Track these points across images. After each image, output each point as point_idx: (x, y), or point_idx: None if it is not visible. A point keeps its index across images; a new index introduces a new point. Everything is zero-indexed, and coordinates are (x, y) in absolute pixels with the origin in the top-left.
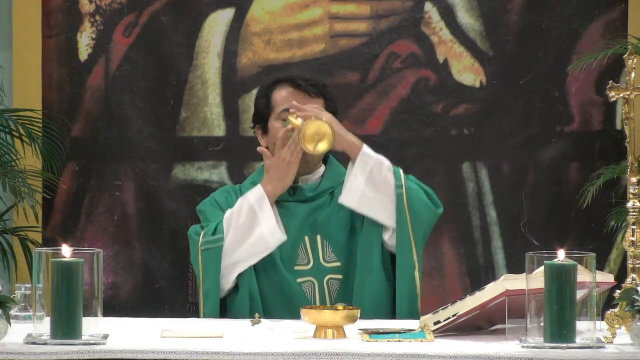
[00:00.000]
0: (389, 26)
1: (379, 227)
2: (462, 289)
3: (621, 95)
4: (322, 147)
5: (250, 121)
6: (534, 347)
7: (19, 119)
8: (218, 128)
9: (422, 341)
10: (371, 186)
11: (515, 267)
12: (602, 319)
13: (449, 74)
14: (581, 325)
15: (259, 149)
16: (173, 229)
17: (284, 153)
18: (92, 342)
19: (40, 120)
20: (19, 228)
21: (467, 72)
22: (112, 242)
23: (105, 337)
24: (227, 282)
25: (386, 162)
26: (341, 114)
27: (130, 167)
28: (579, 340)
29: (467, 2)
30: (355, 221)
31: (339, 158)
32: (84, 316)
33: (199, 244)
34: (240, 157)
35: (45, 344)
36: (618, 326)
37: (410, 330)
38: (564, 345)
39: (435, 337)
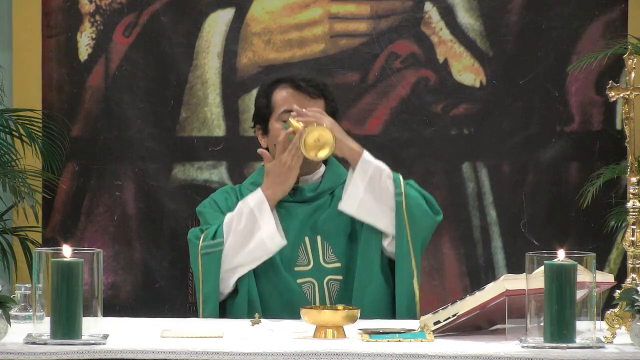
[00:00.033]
0: (389, 26)
1: (379, 234)
2: (462, 289)
3: (621, 95)
4: (323, 154)
5: (251, 121)
6: (534, 347)
7: (19, 119)
8: (218, 128)
9: (422, 341)
10: (371, 193)
11: (515, 267)
12: (602, 319)
13: (449, 74)
14: (581, 325)
15: (259, 151)
16: (173, 229)
17: (285, 158)
18: (92, 342)
19: (40, 120)
20: (19, 228)
21: (467, 72)
22: (112, 242)
23: (105, 337)
24: (227, 286)
25: (386, 170)
26: (341, 114)
27: (130, 167)
28: (579, 340)
29: (467, 2)
30: (356, 223)
31: (340, 158)
32: (84, 316)
33: (199, 248)
34: (240, 157)
35: (45, 344)
36: (618, 326)
37: (410, 330)
38: (564, 345)
39: (435, 337)
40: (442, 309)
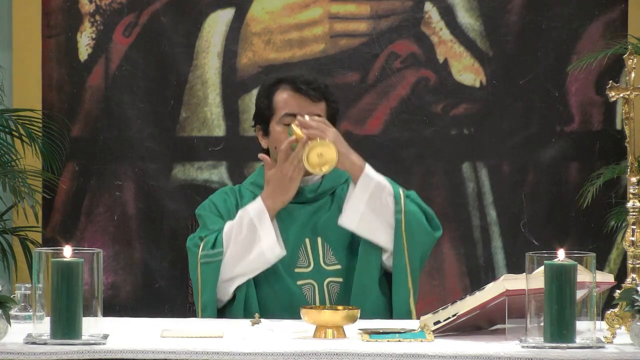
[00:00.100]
0: (389, 26)
1: (379, 248)
2: (462, 289)
3: (621, 95)
4: (325, 170)
5: (251, 120)
6: (534, 347)
7: (19, 119)
8: (218, 128)
9: (422, 341)
10: (371, 210)
11: (515, 267)
12: (602, 319)
13: (449, 74)
14: (581, 325)
15: (260, 156)
16: (173, 229)
17: (286, 168)
18: (92, 342)
19: (40, 120)
20: (19, 228)
21: (467, 72)
22: (112, 242)
23: (105, 337)
24: (226, 294)
25: (387, 186)
26: (341, 114)
27: (130, 167)
28: (579, 340)
29: (467, 2)
30: None
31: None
32: (84, 316)
33: (198, 256)
34: (240, 157)
35: (45, 344)
36: (618, 326)
37: (410, 330)
38: (564, 345)
39: (435, 337)
40: (442, 309)
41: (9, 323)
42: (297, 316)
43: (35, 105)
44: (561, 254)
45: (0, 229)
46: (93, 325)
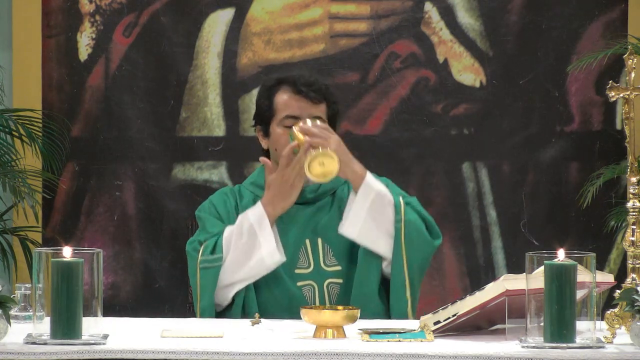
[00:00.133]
0: (389, 26)
1: (378, 257)
2: (462, 289)
3: (621, 95)
4: (326, 179)
5: (252, 120)
6: (534, 347)
7: (19, 119)
8: (218, 128)
9: (422, 341)
10: (372, 219)
11: (515, 267)
12: (602, 319)
13: (449, 74)
14: (581, 325)
15: (261, 159)
16: (173, 229)
17: (288, 174)
18: (92, 342)
19: (40, 120)
20: (19, 228)
21: (467, 72)
22: (112, 242)
23: (105, 337)
24: (226, 299)
25: (387, 195)
26: (341, 114)
27: (130, 167)
28: (579, 340)
29: (467, 2)
30: None
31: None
32: (84, 316)
33: (198, 261)
34: (240, 157)
35: (45, 344)
36: (618, 326)
37: (410, 330)
38: (564, 345)
39: (435, 337)
40: (442, 309)
41: (9, 323)
42: (297, 317)
43: (35, 105)
44: (561, 254)
45: (0, 229)
46: (93, 325)
